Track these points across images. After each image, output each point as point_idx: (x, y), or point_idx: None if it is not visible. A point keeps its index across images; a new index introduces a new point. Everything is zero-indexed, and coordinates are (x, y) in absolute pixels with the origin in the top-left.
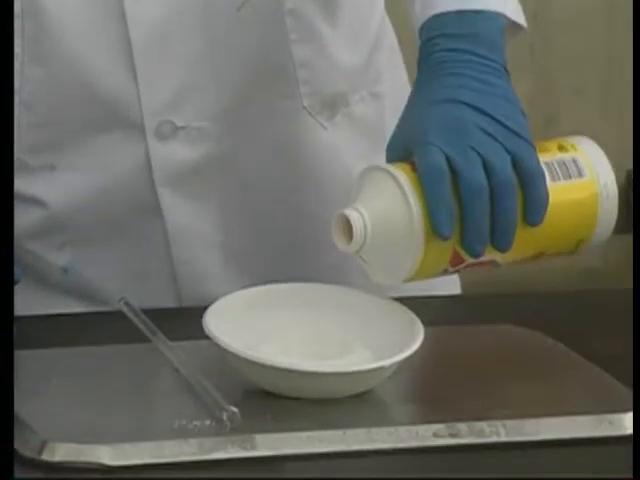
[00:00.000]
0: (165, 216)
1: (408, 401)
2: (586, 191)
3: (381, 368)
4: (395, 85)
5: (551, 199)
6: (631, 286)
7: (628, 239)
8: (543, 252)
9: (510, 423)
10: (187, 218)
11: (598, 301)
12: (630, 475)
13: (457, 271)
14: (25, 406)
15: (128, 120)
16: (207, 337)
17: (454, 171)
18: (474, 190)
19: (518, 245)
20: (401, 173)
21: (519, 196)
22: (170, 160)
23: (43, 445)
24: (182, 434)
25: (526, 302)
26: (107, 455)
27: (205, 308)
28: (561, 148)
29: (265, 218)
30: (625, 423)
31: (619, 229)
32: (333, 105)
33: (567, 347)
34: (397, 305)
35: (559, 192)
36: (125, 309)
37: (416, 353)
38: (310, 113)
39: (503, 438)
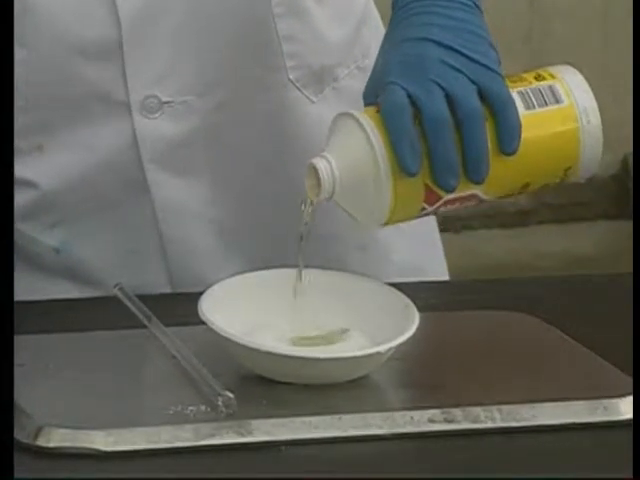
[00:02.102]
0: (153, 192)
1: (403, 386)
2: (564, 117)
3: (377, 354)
4: None
5: (527, 127)
6: (625, 271)
7: (620, 225)
8: (529, 183)
9: (505, 408)
10: (175, 194)
11: (593, 286)
12: (630, 475)
13: (437, 210)
14: (21, 391)
15: (114, 97)
16: (203, 322)
17: (417, 107)
18: (436, 121)
19: (499, 177)
20: (364, 116)
21: (489, 126)
22: (156, 136)
23: (38, 431)
24: (177, 420)
25: (521, 288)
26: (102, 441)
27: (201, 293)
28: (538, 77)
29: (256, 193)
30: (620, 408)
31: (612, 215)
32: (321, 79)
33: (562, 332)
34: (392, 290)
35: (535, 120)
36: (120, 295)
37: (411, 338)
38: (297, 87)
39: (498, 423)
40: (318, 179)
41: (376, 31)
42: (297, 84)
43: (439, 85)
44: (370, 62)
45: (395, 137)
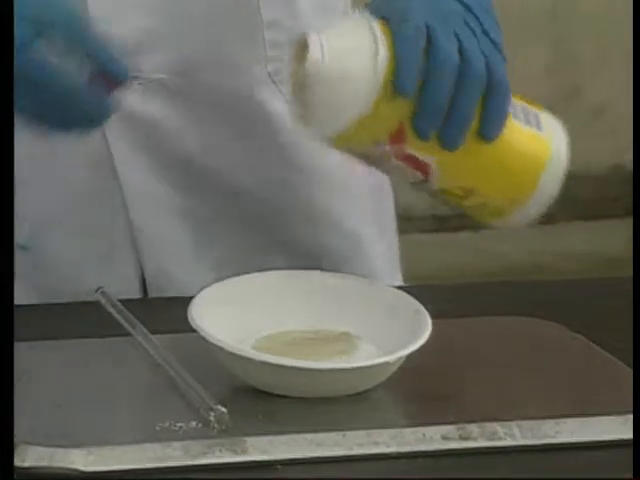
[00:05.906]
0: (120, 177)
1: (414, 400)
2: (539, 143)
3: (385, 364)
4: None
5: (506, 132)
6: None
7: None
8: (476, 188)
9: (526, 424)
10: (145, 179)
11: (623, 290)
12: (630, 475)
13: (386, 156)
14: None
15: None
16: (192, 330)
17: (429, 41)
18: (444, 60)
19: (459, 163)
20: (376, 23)
21: (479, 107)
22: (124, 114)
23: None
24: (165, 437)
25: (543, 291)
26: (82, 460)
27: (191, 298)
28: (527, 102)
29: (230, 181)
30: None
31: None
32: None
33: (589, 340)
34: (402, 294)
35: (516, 131)
36: (102, 299)
37: (423, 347)
38: (273, 81)
39: (518, 441)
40: (304, 53)
41: None
42: (274, 78)
43: (458, 39)
44: None
45: (402, 57)
